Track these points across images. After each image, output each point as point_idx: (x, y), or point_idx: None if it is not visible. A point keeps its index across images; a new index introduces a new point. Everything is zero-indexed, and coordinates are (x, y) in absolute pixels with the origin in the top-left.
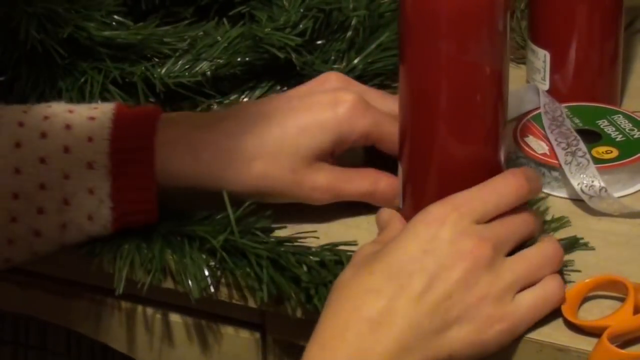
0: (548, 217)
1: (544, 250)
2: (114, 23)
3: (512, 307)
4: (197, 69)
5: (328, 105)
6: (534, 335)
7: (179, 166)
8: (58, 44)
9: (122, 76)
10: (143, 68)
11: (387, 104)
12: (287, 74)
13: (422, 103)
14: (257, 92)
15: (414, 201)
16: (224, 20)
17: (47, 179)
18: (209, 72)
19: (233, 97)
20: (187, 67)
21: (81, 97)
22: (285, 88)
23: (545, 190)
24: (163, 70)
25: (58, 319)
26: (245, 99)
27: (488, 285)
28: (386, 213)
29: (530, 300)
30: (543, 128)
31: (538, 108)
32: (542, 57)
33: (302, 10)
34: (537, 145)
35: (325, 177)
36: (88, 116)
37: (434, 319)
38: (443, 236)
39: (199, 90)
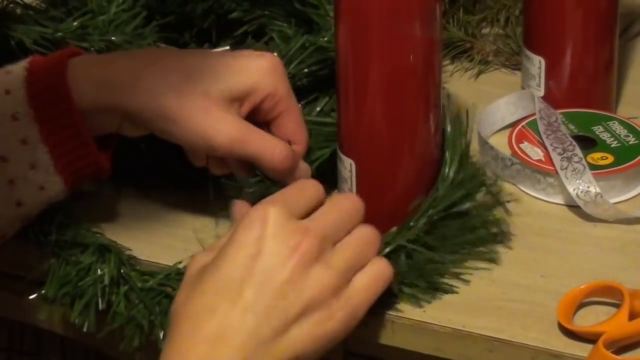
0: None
1: (364, 234)
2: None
3: (349, 292)
4: None
5: (255, 56)
6: (529, 341)
7: (95, 94)
8: None
9: None
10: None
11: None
12: None
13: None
14: (321, 101)
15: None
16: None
17: None
18: None
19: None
20: None
21: None
22: None
23: (541, 197)
24: None
25: (53, 325)
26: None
27: (322, 277)
28: (238, 207)
29: (365, 282)
30: (538, 134)
31: (533, 114)
32: (537, 64)
33: None
34: (532, 152)
35: (233, 123)
36: (5, 71)
37: (272, 323)
38: (266, 234)
39: None
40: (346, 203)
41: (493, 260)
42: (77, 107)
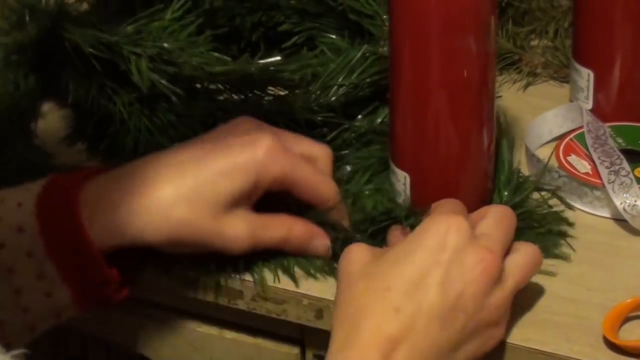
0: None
1: (531, 255)
2: (215, 60)
3: (507, 313)
4: (330, 95)
5: (246, 147)
6: (574, 354)
7: (102, 224)
8: (172, 84)
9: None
10: (277, 102)
11: (302, 144)
12: None
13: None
14: (381, 112)
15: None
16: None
17: None
18: (343, 98)
19: (360, 120)
20: (319, 95)
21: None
22: None
23: (587, 210)
24: (299, 102)
25: (99, 332)
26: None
27: (499, 298)
28: (394, 233)
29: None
30: (586, 147)
31: (581, 127)
32: (585, 76)
33: None
34: (579, 165)
35: (245, 225)
36: (17, 202)
37: (451, 338)
38: (450, 243)
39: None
40: (509, 221)
41: (540, 272)
42: (90, 240)
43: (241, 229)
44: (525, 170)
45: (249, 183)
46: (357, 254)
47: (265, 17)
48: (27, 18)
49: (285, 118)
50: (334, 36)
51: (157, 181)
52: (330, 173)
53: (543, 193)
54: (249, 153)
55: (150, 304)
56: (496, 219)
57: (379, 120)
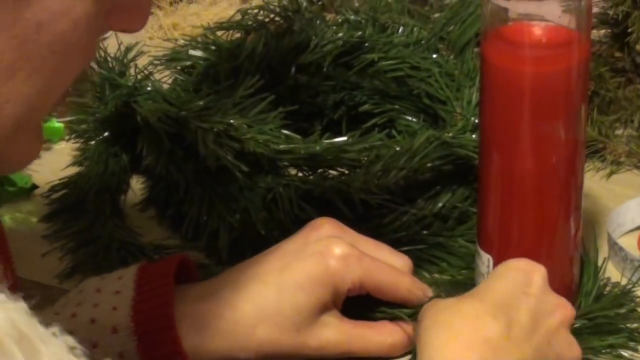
0: None
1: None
2: (282, 137)
3: None
4: (391, 177)
5: (320, 258)
6: None
7: (189, 344)
8: (236, 159)
9: (309, 190)
10: (338, 183)
11: (382, 253)
12: (469, 174)
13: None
14: (443, 196)
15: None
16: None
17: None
18: (402, 181)
19: (423, 205)
20: (377, 177)
21: (270, 216)
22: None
23: None
24: (357, 181)
25: None
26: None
27: (564, 342)
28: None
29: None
30: None
31: None
32: None
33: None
34: None
35: (334, 332)
36: (112, 306)
37: (536, 357)
38: (536, 282)
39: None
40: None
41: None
42: (185, 354)
43: (328, 336)
44: (609, 265)
45: (326, 294)
46: (437, 301)
47: (348, 96)
48: (107, 92)
49: (343, 198)
50: (410, 118)
51: (239, 300)
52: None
53: (626, 282)
54: (323, 265)
55: None
56: None
57: (440, 204)
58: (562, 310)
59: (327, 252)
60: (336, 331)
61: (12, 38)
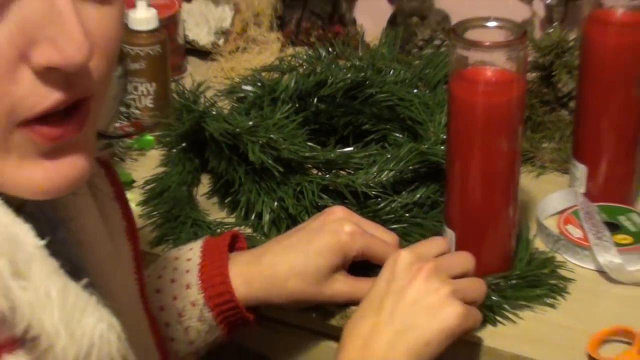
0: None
1: (475, 281)
2: (307, 147)
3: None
4: (383, 177)
5: (334, 233)
6: None
7: (240, 294)
8: (274, 162)
9: (326, 185)
10: (346, 181)
11: (377, 230)
12: (440, 176)
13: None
14: (419, 194)
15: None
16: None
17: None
18: (392, 179)
19: (406, 196)
20: (374, 177)
21: (298, 202)
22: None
23: (579, 264)
24: (360, 179)
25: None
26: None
27: (441, 286)
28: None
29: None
30: (579, 219)
31: (576, 206)
32: (580, 170)
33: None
34: (574, 232)
35: (343, 285)
36: (186, 269)
37: (405, 320)
38: (399, 266)
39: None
40: (459, 255)
41: (545, 307)
42: (238, 301)
43: (338, 288)
44: (537, 239)
45: (338, 259)
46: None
47: (354, 119)
48: (184, 115)
49: (350, 191)
50: (398, 135)
51: (276, 263)
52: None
53: (548, 251)
54: (337, 238)
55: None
56: (450, 253)
57: (418, 195)
58: (420, 270)
59: (339, 230)
60: (344, 284)
61: None
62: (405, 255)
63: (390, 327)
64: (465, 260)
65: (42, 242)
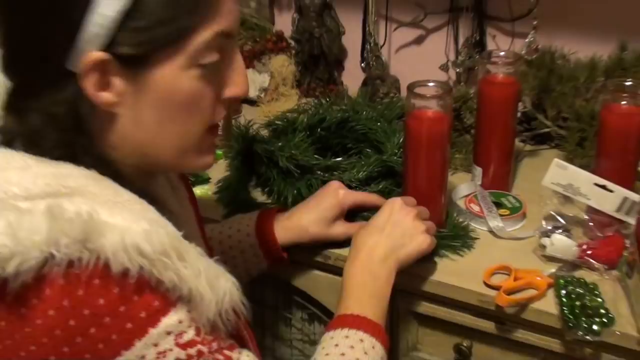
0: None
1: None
2: (314, 158)
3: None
4: (360, 175)
5: (335, 195)
6: (472, 287)
7: (280, 238)
8: (294, 167)
9: (326, 180)
10: (338, 177)
11: (362, 194)
12: (396, 175)
13: (418, 172)
14: (381, 185)
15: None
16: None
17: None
18: (365, 176)
19: (373, 186)
20: (354, 175)
21: (308, 191)
22: (396, 182)
23: (479, 227)
24: (346, 176)
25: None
26: (374, 189)
27: (418, 223)
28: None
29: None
30: (478, 200)
31: (476, 192)
32: (478, 170)
33: (397, 149)
34: (475, 208)
35: (342, 228)
36: (246, 225)
37: (396, 243)
38: (395, 208)
39: (357, 184)
40: (425, 208)
41: (459, 253)
42: (277, 244)
43: (340, 230)
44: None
45: (338, 211)
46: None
47: (342, 141)
48: (240, 139)
49: (341, 182)
50: (369, 150)
51: (300, 219)
52: (379, 200)
53: (461, 220)
54: (337, 197)
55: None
56: (421, 208)
57: (380, 186)
58: (408, 214)
59: (336, 193)
60: (343, 227)
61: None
62: (399, 201)
63: (388, 242)
64: (427, 211)
65: (181, 233)
